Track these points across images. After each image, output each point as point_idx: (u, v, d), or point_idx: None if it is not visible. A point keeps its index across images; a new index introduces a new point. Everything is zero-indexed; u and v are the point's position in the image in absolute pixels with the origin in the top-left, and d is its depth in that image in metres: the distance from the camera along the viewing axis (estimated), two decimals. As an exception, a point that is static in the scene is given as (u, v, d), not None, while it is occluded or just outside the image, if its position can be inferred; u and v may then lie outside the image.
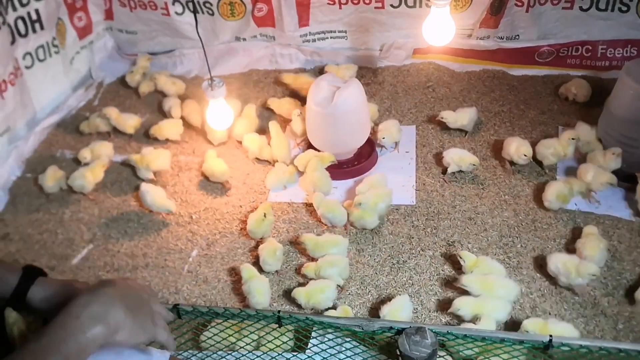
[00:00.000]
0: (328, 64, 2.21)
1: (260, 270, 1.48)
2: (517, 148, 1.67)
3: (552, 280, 1.41)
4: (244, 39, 2.28)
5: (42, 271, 1.14)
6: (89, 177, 1.77)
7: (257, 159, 1.87)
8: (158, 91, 2.20)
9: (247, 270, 1.44)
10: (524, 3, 1.99)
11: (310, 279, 1.44)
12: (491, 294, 1.33)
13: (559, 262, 1.38)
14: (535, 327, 1.24)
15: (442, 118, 1.84)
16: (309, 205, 1.69)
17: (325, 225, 1.62)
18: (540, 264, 1.45)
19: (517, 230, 1.55)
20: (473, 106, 1.90)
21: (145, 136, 1.99)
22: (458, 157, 1.68)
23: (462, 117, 1.84)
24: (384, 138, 1.81)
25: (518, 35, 2.08)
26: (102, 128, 2.02)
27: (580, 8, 1.96)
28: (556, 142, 1.69)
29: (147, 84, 2.20)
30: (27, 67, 2.00)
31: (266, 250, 1.50)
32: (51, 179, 1.79)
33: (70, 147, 1.99)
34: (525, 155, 1.66)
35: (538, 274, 1.43)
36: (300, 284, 1.46)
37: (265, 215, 1.58)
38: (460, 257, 1.42)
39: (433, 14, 1.61)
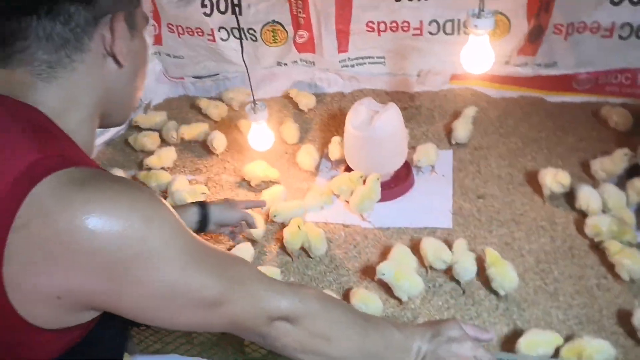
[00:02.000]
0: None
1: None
2: (554, 176, 1.68)
3: (590, 308, 1.40)
4: (285, 64, 2.35)
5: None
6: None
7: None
8: (203, 114, 2.29)
9: None
10: (563, 31, 2.01)
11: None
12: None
13: None
14: (571, 351, 1.25)
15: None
16: (345, 226, 1.73)
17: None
18: (578, 290, 1.45)
19: (554, 256, 1.55)
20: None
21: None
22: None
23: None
24: (420, 161, 1.84)
25: (556, 62, 2.09)
26: (149, 147, 2.11)
27: (620, 37, 1.96)
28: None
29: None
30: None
31: (313, 236, 1.61)
32: None
33: (120, 165, 2.08)
34: (562, 184, 1.66)
35: (575, 301, 1.43)
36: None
37: (299, 227, 1.63)
38: (485, 254, 1.47)
39: (472, 42, 1.64)
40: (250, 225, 1.51)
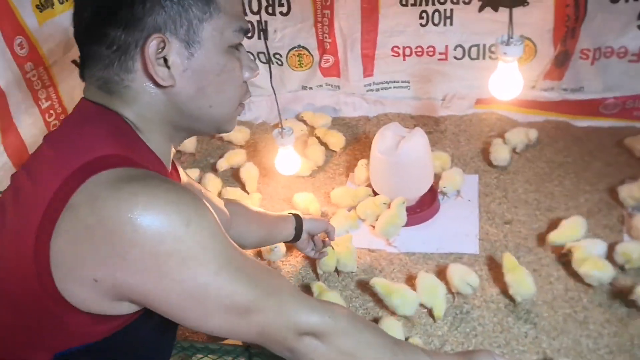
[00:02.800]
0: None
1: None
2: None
3: (621, 337, 1.38)
4: (310, 88, 2.38)
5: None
6: None
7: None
8: (226, 140, 2.32)
9: (318, 287, 1.54)
10: (589, 56, 2.01)
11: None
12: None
13: None
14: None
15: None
16: (371, 251, 1.74)
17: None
18: (608, 319, 1.43)
19: (583, 284, 1.53)
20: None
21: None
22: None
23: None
24: (445, 187, 1.85)
25: (582, 87, 2.09)
26: None
27: (648, 61, 1.96)
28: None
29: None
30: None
31: (343, 253, 1.63)
32: None
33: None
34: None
35: (606, 330, 1.41)
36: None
37: (332, 247, 1.64)
38: (503, 260, 1.51)
39: (500, 68, 1.64)
40: (330, 234, 1.61)
